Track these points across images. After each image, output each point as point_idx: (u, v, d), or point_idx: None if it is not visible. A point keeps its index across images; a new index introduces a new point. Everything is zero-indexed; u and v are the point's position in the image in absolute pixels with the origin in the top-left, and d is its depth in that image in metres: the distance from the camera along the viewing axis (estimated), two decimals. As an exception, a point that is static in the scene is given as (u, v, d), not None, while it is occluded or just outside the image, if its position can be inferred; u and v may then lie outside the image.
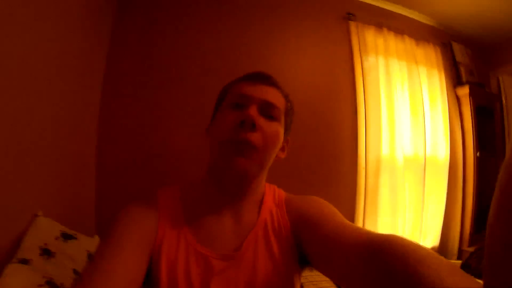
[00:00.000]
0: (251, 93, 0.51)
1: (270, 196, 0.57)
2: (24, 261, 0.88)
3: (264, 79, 0.54)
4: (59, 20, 1.21)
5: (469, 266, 2.40)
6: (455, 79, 2.54)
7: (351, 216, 2.11)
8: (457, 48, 2.56)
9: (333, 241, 0.41)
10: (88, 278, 0.37)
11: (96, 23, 1.56)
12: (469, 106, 2.45)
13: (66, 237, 1.11)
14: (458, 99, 2.52)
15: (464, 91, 2.46)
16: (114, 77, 1.66)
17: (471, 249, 2.51)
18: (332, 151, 2.10)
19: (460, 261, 2.50)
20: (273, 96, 0.53)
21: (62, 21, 1.23)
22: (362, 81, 2.10)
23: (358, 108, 2.12)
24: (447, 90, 2.40)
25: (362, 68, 2.11)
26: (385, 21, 2.23)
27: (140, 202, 0.52)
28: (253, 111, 0.49)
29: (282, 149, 0.58)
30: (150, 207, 0.51)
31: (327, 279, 1.40)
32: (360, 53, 2.11)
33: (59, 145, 1.28)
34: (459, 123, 2.49)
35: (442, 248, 2.55)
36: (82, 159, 1.53)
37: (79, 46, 1.39)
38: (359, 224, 2.11)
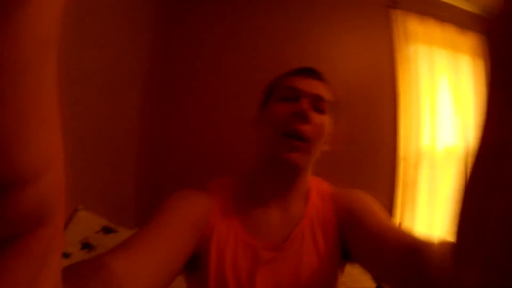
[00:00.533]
0: (302, 87, 0.52)
1: (315, 189, 0.58)
2: (65, 255, 0.90)
3: (313, 73, 0.56)
4: (109, 17, 1.21)
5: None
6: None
7: (389, 208, 2.09)
8: (501, 37, 2.47)
9: (378, 240, 0.45)
10: (132, 243, 0.38)
11: (140, 17, 1.57)
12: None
13: (107, 230, 1.13)
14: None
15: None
16: (159, 70, 1.70)
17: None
18: (371, 141, 2.08)
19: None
20: (322, 90, 0.54)
21: (110, 17, 1.24)
22: (403, 70, 2.06)
23: (399, 97, 2.08)
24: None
25: (404, 57, 2.07)
26: (429, 9, 2.17)
27: (193, 189, 0.53)
28: (305, 103, 0.50)
29: (325, 141, 0.59)
30: (203, 195, 0.52)
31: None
32: (402, 42, 2.07)
33: (100, 138, 1.29)
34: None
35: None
36: (122, 152, 1.54)
37: (123, 38, 1.41)
38: (397, 216, 2.10)
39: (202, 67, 1.78)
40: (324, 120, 0.53)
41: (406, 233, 0.43)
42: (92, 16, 1.15)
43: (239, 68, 1.81)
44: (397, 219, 2.09)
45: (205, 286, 0.47)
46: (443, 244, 0.34)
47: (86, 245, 1.02)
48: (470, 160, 0.25)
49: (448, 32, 2.21)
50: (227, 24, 1.84)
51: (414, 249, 0.38)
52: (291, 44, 1.91)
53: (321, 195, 0.58)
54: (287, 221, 0.53)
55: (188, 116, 1.73)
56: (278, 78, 0.58)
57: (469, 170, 0.25)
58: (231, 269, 0.47)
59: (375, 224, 0.47)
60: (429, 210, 2.16)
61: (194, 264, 0.48)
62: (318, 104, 0.53)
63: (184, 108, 1.74)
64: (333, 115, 0.57)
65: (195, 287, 0.51)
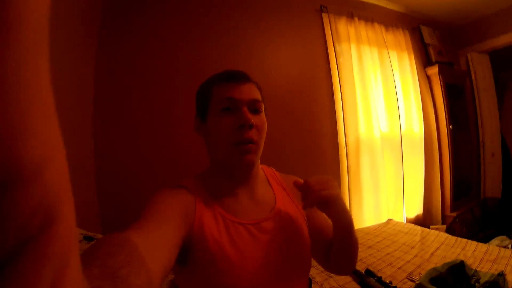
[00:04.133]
0: (239, 96, 0.58)
1: (269, 174, 0.72)
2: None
3: (242, 78, 0.62)
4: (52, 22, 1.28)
5: (454, 230, 2.63)
6: (425, 60, 2.74)
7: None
8: (425, 30, 2.76)
9: (319, 232, 0.69)
10: (142, 225, 0.41)
11: (83, 23, 1.58)
12: (439, 84, 2.66)
13: (88, 239, 1.16)
14: (428, 78, 2.73)
15: (433, 70, 2.67)
16: (105, 77, 1.75)
17: (454, 214, 2.75)
18: (314, 134, 2.27)
19: (445, 226, 2.73)
20: (254, 92, 0.61)
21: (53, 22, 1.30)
22: (336, 68, 2.27)
23: (334, 92, 2.29)
24: (417, 71, 2.60)
25: (336, 56, 2.28)
26: (355, 11, 2.40)
27: (171, 187, 0.58)
28: (246, 113, 0.57)
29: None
30: (182, 190, 0.57)
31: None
32: (334, 42, 2.28)
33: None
34: (431, 101, 2.70)
35: (426, 215, 2.78)
36: (80, 163, 1.57)
37: (68, 48, 1.42)
38: (346, 200, 2.30)
39: (145, 73, 1.85)
40: (263, 118, 0.62)
41: (330, 228, 0.67)
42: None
43: (172, 72, 1.89)
44: (346, 202, 2.29)
45: (206, 269, 0.52)
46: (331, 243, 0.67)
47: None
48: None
49: (375, 31, 2.46)
50: (163, 28, 1.91)
51: (329, 242, 0.68)
52: (226, 49, 2.03)
53: (275, 180, 0.71)
54: (261, 202, 0.63)
55: (134, 121, 1.82)
56: (211, 85, 0.63)
57: None
58: (232, 249, 0.53)
59: (317, 223, 0.70)
60: (375, 195, 2.38)
61: (184, 254, 0.51)
62: (255, 106, 0.60)
63: (128, 113, 1.81)
64: (264, 103, 0.65)
65: (187, 278, 0.55)
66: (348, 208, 2.23)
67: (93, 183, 1.72)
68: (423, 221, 2.68)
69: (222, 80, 0.61)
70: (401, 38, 2.58)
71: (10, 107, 0.10)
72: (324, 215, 0.66)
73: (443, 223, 2.81)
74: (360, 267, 1.36)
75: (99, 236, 1.24)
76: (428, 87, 2.72)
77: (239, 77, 0.61)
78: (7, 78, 0.10)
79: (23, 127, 0.11)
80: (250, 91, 0.60)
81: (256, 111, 0.61)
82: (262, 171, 0.70)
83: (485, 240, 2.51)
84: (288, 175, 0.75)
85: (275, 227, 0.60)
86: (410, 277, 1.27)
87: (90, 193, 1.70)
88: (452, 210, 2.81)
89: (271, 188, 0.68)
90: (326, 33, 2.29)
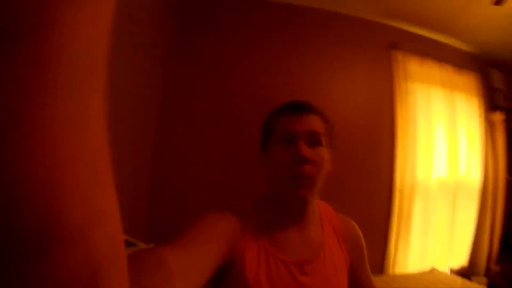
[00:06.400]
0: (297, 128, 0.58)
1: (324, 213, 0.68)
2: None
3: (304, 109, 0.60)
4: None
5: (496, 285, 2.51)
6: (490, 105, 2.61)
7: (385, 237, 2.23)
8: (495, 74, 2.62)
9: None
10: (181, 243, 0.41)
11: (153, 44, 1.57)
12: (503, 131, 2.52)
13: (128, 244, 1.16)
14: (492, 124, 2.59)
15: (499, 117, 2.53)
16: (169, 106, 1.81)
17: (498, 268, 2.61)
18: (370, 173, 2.22)
19: (485, 278, 2.61)
20: (315, 124, 0.59)
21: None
22: (401, 107, 2.20)
23: (396, 132, 2.22)
24: (482, 115, 2.48)
25: (402, 94, 2.21)
26: (426, 49, 2.31)
27: (222, 209, 0.57)
28: (302, 147, 0.55)
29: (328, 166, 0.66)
30: (232, 215, 0.56)
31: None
32: (401, 80, 2.21)
33: (114, 156, 1.34)
34: (492, 147, 2.56)
35: (471, 266, 2.65)
36: (135, 170, 1.58)
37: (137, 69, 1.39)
38: (392, 243, 2.24)
39: (206, 105, 1.89)
40: (322, 152, 0.58)
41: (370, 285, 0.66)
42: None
43: (240, 101, 1.91)
44: (392, 248, 2.23)
45: None
46: None
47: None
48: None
49: (445, 72, 2.36)
50: (229, 58, 1.94)
51: None
52: (296, 84, 2.03)
53: (329, 219, 0.67)
54: (308, 242, 0.61)
55: (193, 142, 1.85)
56: (274, 116, 0.63)
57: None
58: (267, 284, 0.52)
59: (360, 277, 0.66)
60: (423, 240, 2.30)
61: (221, 277, 0.52)
62: (314, 139, 0.58)
63: (189, 135, 1.85)
64: (329, 140, 0.62)
65: None
66: (393, 251, 2.21)
67: (144, 191, 1.74)
68: (467, 272, 2.57)
69: (283, 112, 0.61)
70: (469, 80, 2.46)
71: (48, 150, 0.09)
72: (368, 270, 0.65)
73: (486, 275, 2.68)
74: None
75: (141, 244, 1.22)
76: (491, 133, 2.58)
77: (300, 109, 0.60)
78: (41, 121, 0.08)
79: (66, 177, 0.09)
80: (310, 123, 0.59)
81: (315, 143, 0.58)
82: (317, 208, 0.67)
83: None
84: (344, 216, 0.71)
85: (317, 271, 0.58)
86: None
87: (140, 200, 1.73)
88: (497, 263, 2.68)
89: (322, 229, 0.65)
90: (395, 70, 2.22)
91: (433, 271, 2.16)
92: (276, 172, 0.59)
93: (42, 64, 0.08)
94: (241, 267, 0.52)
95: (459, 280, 1.98)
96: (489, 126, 2.58)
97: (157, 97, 1.76)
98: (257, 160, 0.67)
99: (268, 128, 0.63)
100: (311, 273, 0.57)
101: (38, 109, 0.08)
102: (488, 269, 2.68)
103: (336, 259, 0.62)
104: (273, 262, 0.55)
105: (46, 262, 0.10)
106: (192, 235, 0.45)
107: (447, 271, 2.39)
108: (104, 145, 0.12)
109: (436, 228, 2.35)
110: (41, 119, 0.09)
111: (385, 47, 2.24)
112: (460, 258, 2.56)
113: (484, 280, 2.56)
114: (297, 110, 0.60)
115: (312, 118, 0.60)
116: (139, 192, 1.70)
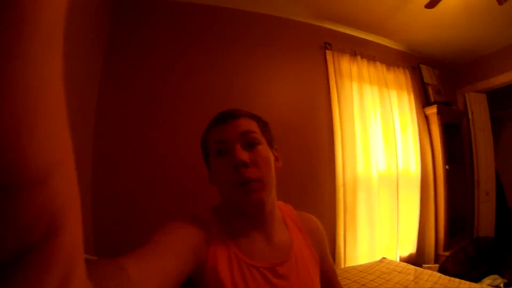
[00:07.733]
0: (227, 136, 0.57)
1: (285, 213, 0.68)
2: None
3: (230, 116, 0.59)
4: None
5: (446, 269, 2.62)
6: (423, 99, 2.78)
7: (333, 230, 2.27)
8: (425, 70, 2.80)
9: (329, 282, 0.69)
10: (143, 253, 0.40)
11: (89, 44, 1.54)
12: (437, 124, 2.68)
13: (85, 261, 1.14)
14: (427, 117, 2.76)
15: (432, 111, 2.70)
16: (107, 107, 1.74)
17: (447, 253, 2.73)
18: (312, 170, 2.26)
19: (437, 265, 2.72)
20: (245, 125, 0.58)
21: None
22: (337, 105, 2.29)
23: (334, 130, 2.30)
24: (416, 110, 2.63)
25: (337, 93, 2.29)
26: (358, 49, 2.44)
27: (185, 219, 0.56)
28: (238, 151, 0.55)
29: (276, 159, 0.65)
30: (196, 224, 0.55)
31: None
32: (336, 80, 2.30)
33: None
34: (429, 140, 2.72)
35: (419, 254, 2.76)
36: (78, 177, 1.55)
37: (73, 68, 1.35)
38: (341, 237, 2.28)
39: (144, 106, 1.84)
40: (261, 151, 0.58)
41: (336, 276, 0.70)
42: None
43: (175, 103, 1.88)
44: (341, 242, 2.27)
45: None
46: None
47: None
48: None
49: (379, 69, 2.49)
50: (167, 63, 1.92)
51: None
52: (231, 86, 2.04)
53: (291, 218, 0.67)
54: (276, 246, 0.60)
55: (133, 150, 1.78)
56: (205, 134, 0.63)
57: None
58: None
59: (326, 270, 0.69)
60: (370, 232, 2.37)
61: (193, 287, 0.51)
62: (248, 139, 0.57)
63: (128, 140, 1.77)
64: (267, 136, 0.62)
65: None
66: (343, 245, 2.25)
67: (89, 205, 1.66)
68: (416, 259, 2.66)
69: (212, 125, 0.61)
70: (402, 77, 2.61)
71: (17, 106, 0.09)
72: (331, 261, 0.67)
73: (436, 262, 2.79)
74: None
75: (92, 258, 1.17)
76: (426, 126, 2.74)
77: (227, 117, 0.60)
78: (14, 72, 0.09)
79: (30, 128, 0.10)
80: (240, 126, 0.58)
81: (252, 144, 0.58)
82: (278, 209, 0.66)
83: (478, 279, 2.50)
84: (303, 213, 0.72)
85: (290, 272, 0.58)
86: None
87: (85, 213, 1.65)
88: (445, 249, 2.80)
89: (288, 229, 0.65)
90: (329, 69, 2.31)
91: (383, 260, 2.21)
92: (224, 185, 0.58)
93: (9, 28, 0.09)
94: (215, 274, 0.51)
95: (410, 266, 2.03)
96: (424, 120, 2.75)
97: (93, 98, 1.70)
98: (208, 181, 0.65)
99: (204, 146, 0.63)
100: (285, 274, 0.57)
101: (3, 67, 0.09)
102: (437, 255, 2.80)
103: (306, 257, 0.62)
104: (246, 267, 0.54)
105: (11, 205, 0.10)
106: (153, 245, 0.43)
107: (397, 259, 2.46)
108: (61, 101, 0.12)
109: (381, 219, 2.43)
110: (4, 75, 0.09)
111: (319, 47, 2.33)
112: (408, 248, 2.65)
113: (435, 266, 2.67)
114: (223, 119, 0.59)
115: (242, 121, 0.59)
116: (84, 203, 1.62)
